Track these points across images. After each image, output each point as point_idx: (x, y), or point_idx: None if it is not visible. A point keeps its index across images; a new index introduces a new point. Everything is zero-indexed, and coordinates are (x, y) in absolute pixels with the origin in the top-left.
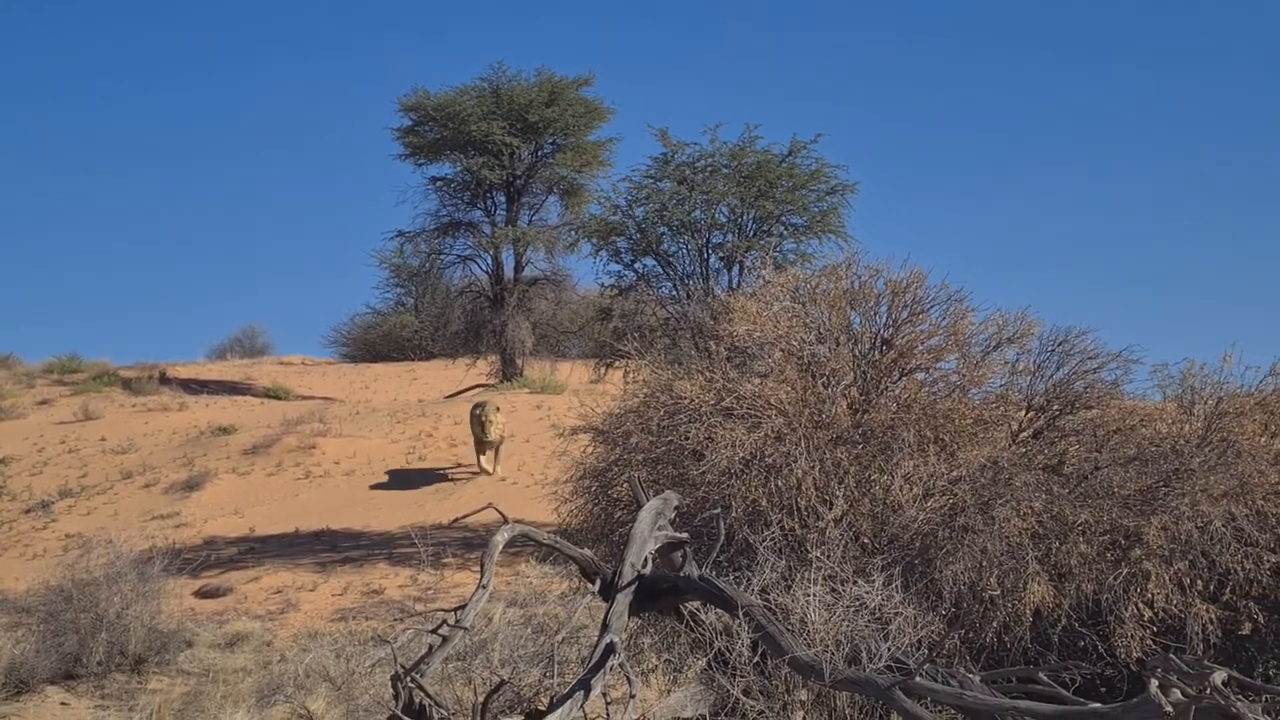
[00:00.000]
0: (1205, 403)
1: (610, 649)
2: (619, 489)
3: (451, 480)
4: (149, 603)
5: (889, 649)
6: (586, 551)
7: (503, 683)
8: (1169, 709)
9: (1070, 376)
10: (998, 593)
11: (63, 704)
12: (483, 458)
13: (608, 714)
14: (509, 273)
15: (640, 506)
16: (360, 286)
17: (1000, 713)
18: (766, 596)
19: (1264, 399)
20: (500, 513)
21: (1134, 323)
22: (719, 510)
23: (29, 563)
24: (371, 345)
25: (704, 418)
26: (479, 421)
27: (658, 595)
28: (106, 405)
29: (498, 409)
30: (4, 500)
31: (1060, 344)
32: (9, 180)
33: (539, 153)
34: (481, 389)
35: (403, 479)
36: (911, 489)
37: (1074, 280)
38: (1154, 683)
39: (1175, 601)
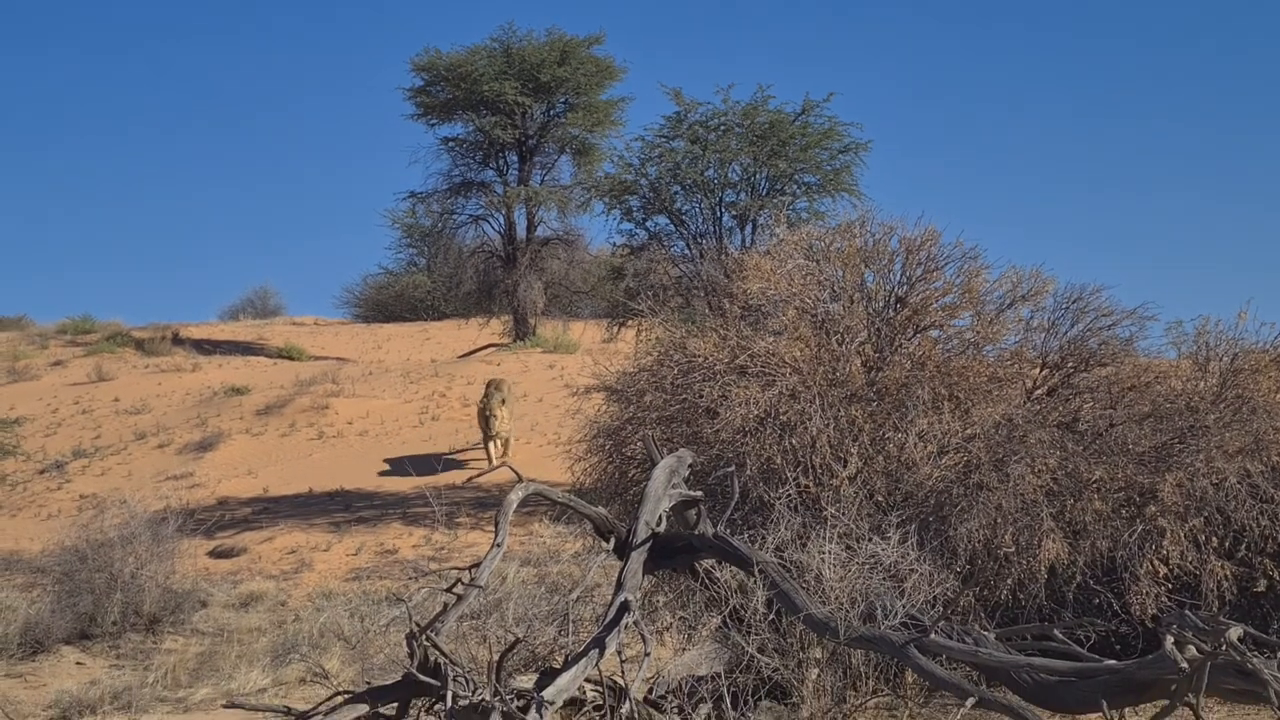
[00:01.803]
0: (1220, 359)
1: (625, 607)
2: (633, 447)
3: (462, 464)
4: (163, 563)
5: (904, 606)
6: (601, 510)
7: (518, 641)
8: (1184, 665)
9: (1085, 334)
10: (1012, 550)
11: (78, 664)
12: (489, 445)
13: (622, 672)
14: (521, 232)
15: (654, 465)
16: (372, 247)
17: (1015, 670)
18: (781, 554)
19: (1279, 355)
20: (514, 471)
21: (1148, 280)
22: (733, 468)
23: (43, 523)
24: (384, 305)
25: (718, 376)
26: (483, 416)
27: (672, 553)
28: (120, 366)
29: (503, 402)
30: (18, 461)
31: (1075, 301)
32: (20, 140)
33: (551, 112)
34: (494, 349)
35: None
36: (926, 446)
37: (1089, 237)
38: (1169, 639)
39: (1190, 558)
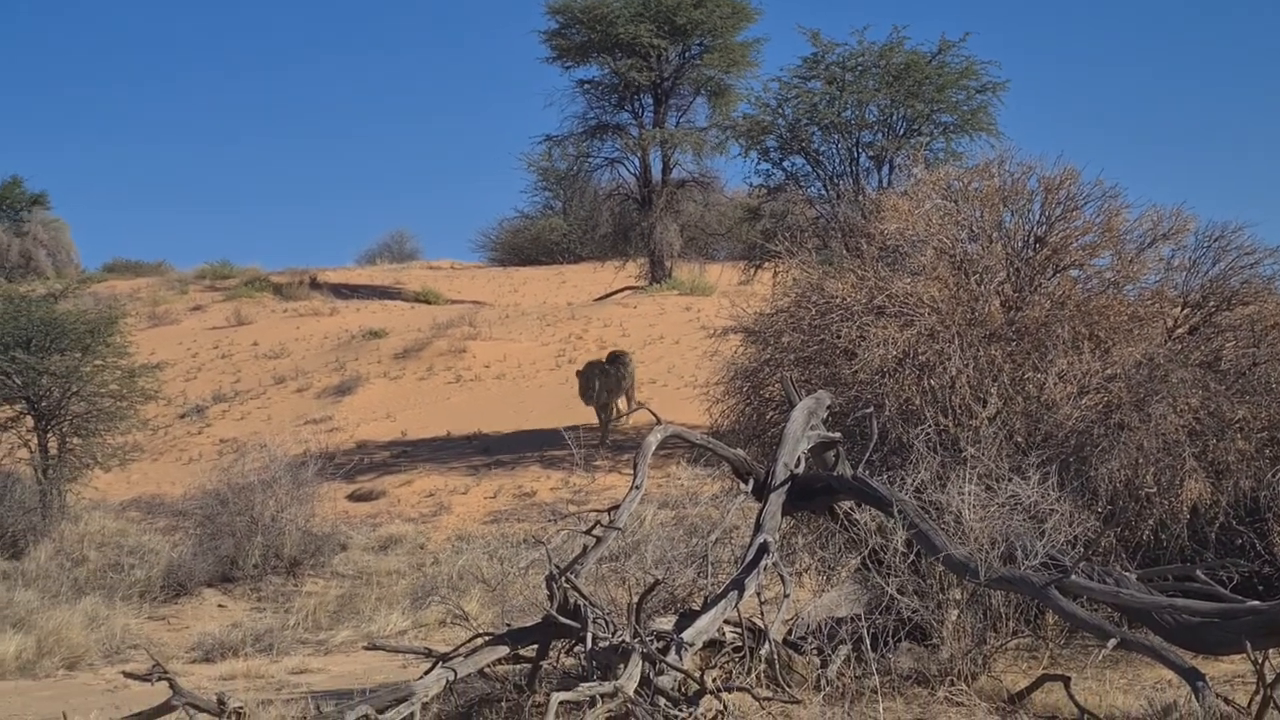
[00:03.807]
0: None
1: (764, 549)
2: (771, 389)
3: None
4: (303, 506)
5: (1044, 547)
6: (739, 451)
7: (657, 583)
8: None
9: (1226, 272)
10: (1154, 490)
11: (220, 606)
12: (603, 415)
13: (762, 613)
14: (657, 175)
15: (793, 406)
16: (508, 190)
17: (1157, 611)
18: (920, 495)
19: None
20: (653, 414)
21: None
22: (872, 409)
23: (184, 467)
24: (520, 249)
25: (856, 316)
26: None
27: (811, 495)
28: (258, 310)
29: (605, 371)
30: (159, 406)
31: (1216, 239)
32: (159, 88)
33: (686, 54)
34: (630, 291)
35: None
36: (1066, 386)
37: (1231, 175)
38: None
39: None
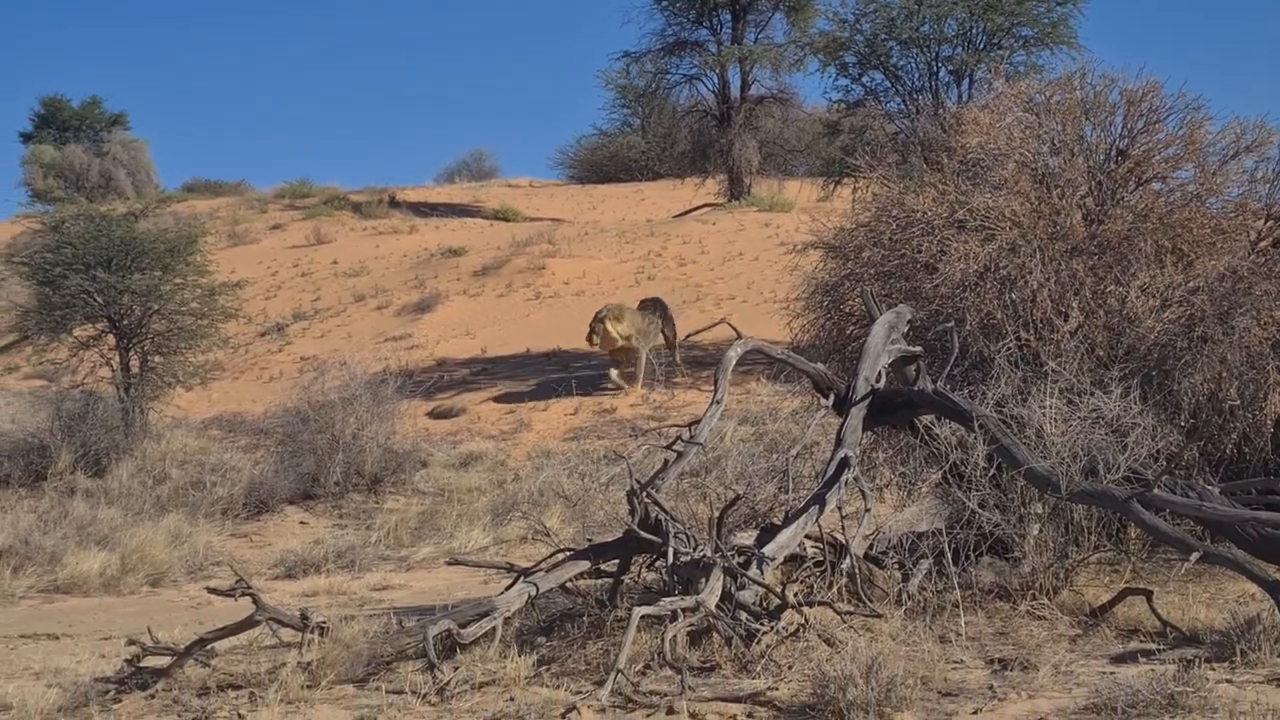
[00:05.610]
0: None
1: (845, 463)
2: (851, 304)
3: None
4: (384, 424)
5: (1126, 461)
6: (820, 366)
7: (738, 498)
8: None
9: None
10: (1237, 403)
11: (301, 523)
12: (614, 370)
13: (843, 528)
14: (735, 92)
15: (873, 320)
16: (587, 108)
17: (1240, 524)
18: (1001, 409)
19: None
20: (734, 328)
21: None
22: (952, 323)
23: (265, 385)
24: (598, 166)
25: (936, 231)
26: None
27: (892, 409)
28: (337, 229)
29: (615, 319)
30: (240, 324)
31: None
32: (237, 6)
33: None
34: (709, 208)
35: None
36: (1148, 300)
37: None
38: None
39: None
